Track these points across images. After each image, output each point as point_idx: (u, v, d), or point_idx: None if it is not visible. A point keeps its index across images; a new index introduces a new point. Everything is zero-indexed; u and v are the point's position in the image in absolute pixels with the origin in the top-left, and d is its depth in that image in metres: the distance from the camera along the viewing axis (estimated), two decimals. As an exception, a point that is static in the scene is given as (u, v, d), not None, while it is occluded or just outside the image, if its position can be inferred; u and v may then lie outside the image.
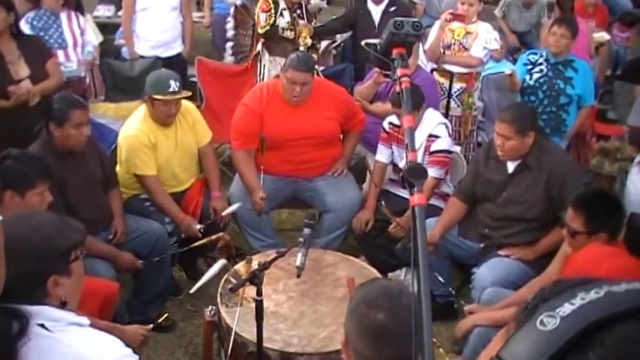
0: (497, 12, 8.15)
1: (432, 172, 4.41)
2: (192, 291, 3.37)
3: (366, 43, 1.72)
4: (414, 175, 1.43)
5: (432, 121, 4.54)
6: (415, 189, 1.41)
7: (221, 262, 3.38)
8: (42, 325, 1.82)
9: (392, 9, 6.10)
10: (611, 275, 2.24)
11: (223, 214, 4.40)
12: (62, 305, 1.90)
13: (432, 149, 4.50)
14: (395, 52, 1.65)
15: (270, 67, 5.63)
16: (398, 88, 1.58)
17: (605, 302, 0.80)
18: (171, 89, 4.20)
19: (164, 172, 4.41)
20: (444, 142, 4.53)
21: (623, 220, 3.32)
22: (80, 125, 3.76)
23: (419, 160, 4.58)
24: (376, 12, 6.18)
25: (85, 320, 1.93)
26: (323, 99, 4.59)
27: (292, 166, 4.63)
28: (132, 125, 4.35)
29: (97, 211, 3.96)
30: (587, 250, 2.68)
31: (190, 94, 4.57)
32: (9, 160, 3.19)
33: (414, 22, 1.65)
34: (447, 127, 4.64)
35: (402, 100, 1.56)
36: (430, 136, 4.51)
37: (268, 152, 4.48)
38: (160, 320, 3.47)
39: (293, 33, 5.57)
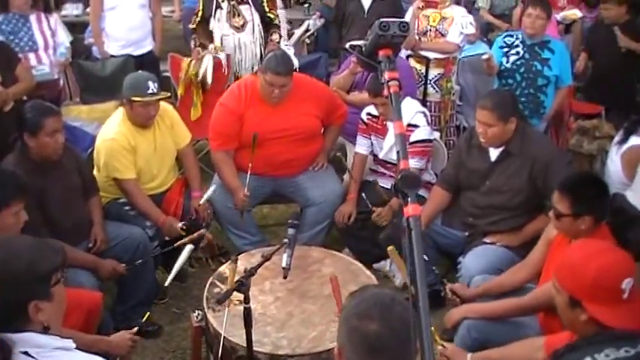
0: (482, 3, 7.44)
1: (413, 162, 4.35)
2: (166, 283, 3.37)
3: (351, 46, 1.66)
4: (407, 184, 1.38)
5: (409, 110, 4.48)
6: (409, 199, 1.36)
7: (188, 248, 3.39)
8: (26, 353, 1.76)
9: None
10: (600, 273, 2.21)
11: (200, 202, 4.38)
12: (45, 330, 1.84)
13: (411, 139, 4.42)
14: (381, 53, 1.59)
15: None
16: (386, 92, 1.52)
17: None
18: (149, 91, 4.14)
19: (143, 174, 4.35)
20: (423, 132, 4.47)
21: (608, 205, 3.30)
22: (55, 132, 3.67)
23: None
24: None
25: (70, 343, 1.88)
26: (303, 96, 4.51)
27: (274, 167, 4.56)
28: (110, 128, 4.27)
29: (77, 221, 3.88)
30: (576, 248, 2.64)
31: (169, 94, 4.51)
32: None
33: (401, 22, 1.59)
34: (425, 116, 4.58)
35: (391, 105, 1.51)
36: (409, 125, 4.43)
37: (250, 152, 4.38)
38: (143, 320, 3.42)
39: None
